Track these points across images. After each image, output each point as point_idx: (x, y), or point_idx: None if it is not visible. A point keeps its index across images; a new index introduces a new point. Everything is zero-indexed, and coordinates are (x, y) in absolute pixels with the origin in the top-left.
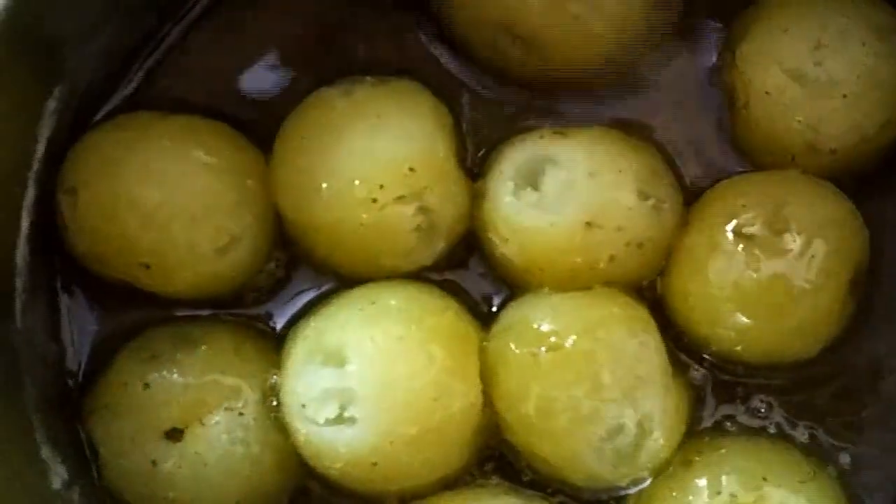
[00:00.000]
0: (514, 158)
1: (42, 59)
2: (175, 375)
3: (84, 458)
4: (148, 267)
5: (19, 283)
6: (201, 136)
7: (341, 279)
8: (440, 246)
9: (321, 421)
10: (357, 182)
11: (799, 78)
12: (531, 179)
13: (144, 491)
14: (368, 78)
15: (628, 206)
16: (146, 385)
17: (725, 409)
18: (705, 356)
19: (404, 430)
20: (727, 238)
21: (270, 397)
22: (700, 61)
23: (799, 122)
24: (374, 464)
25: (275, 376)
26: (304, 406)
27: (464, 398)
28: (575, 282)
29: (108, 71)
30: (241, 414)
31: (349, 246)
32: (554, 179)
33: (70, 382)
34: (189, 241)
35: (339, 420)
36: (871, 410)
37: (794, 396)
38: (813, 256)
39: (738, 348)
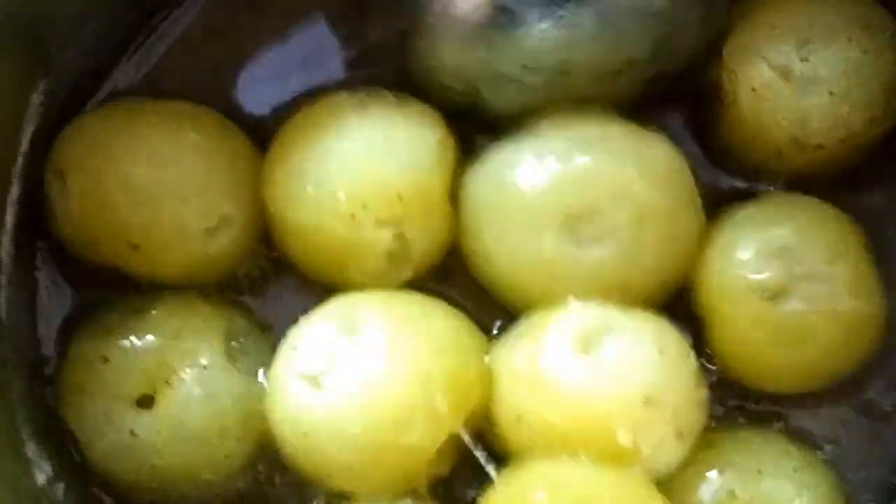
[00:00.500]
0: None
1: (26, 52)
2: (131, 343)
3: (66, 452)
4: (137, 248)
5: (3, 278)
6: (192, 119)
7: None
8: (408, 274)
9: (297, 370)
10: (341, 194)
11: (786, 75)
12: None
13: (130, 464)
14: (386, 92)
15: None
16: (105, 359)
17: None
18: None
19: (347, 425)
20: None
21: (233, 345)
22: None
23: (785, 118)
24: (305, 435)
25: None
26: (295, 349)
27: (421, 440)
28: None
29: (94, 65)
30: (205, 369)
31: (319, 253)
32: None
33: (48, 372)
34: (179, 220)
35: (311, 380)
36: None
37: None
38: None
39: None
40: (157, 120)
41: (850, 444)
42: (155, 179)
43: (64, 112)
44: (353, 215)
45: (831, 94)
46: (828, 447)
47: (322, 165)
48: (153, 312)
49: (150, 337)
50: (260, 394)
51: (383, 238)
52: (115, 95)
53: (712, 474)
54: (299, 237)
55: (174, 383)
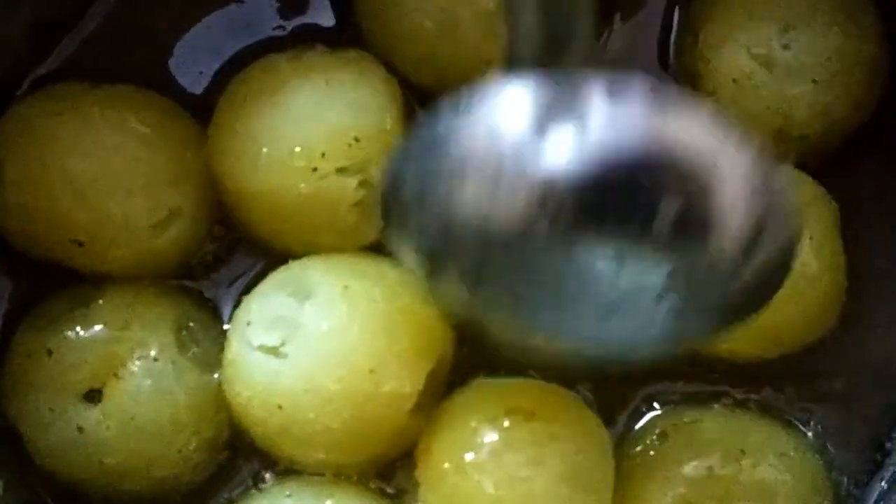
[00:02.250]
0: None
1: None
2: (76, 335)
3: (8, 450)
4: (81, 244)
5: None
6: (135, 106)
7: (281, 259)
8: (382, 224)
9: (255, 344)
10: (298, 149)
11: (767, 63)
12: None
13: (77, 461)
14: (319, 45)
15: None
16: (49, 352)
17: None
18: None
19: (323, 384)
20: None
21: (184, 334)
22: (650, 44)
23: (768, 108)
24: (280, 406)
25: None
26: (248, 324)
27: (400, 384)
28: None
29: (34, 43)
30: (155, 360)
31: (286, 218)
32: None
33: None
34: (125, 215)
35: (271, 351)
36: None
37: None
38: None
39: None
40: (99, 108)
41: (834, 427)
42: (97, 172)
43: (3, 92)
44: (314, 168)
45: (815, 82)
46: (814, 430)
47: (271, 125)
48: (99, 302)
49: (96, 328)
50: (214, 384)
51: (349, 186)
52: (57, 74)
53: (693, 450)
54: (262, 205)
55: (123, 376)
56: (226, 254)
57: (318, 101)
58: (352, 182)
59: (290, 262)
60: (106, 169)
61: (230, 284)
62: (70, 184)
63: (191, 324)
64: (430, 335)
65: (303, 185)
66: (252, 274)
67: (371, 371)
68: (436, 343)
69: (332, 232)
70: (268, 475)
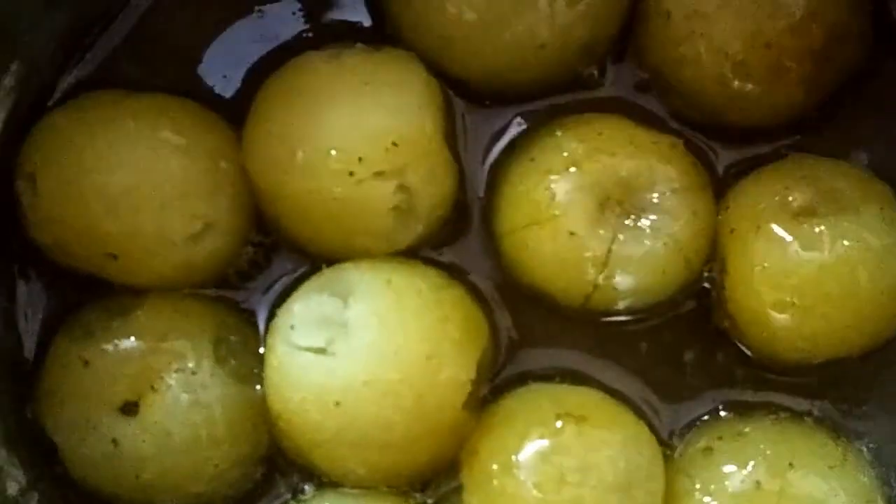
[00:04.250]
0: None
1: None
2: (114, 347)
3: (44, 460)
4: (115, 257)
5: None
6: (170, 115)
7: (316, 262)
8: (418, 230)
9: (302, 345)
10: (334, 152)
11: None
12: None
13: (112, 475)
14: (359, 44)
15: None
16: (86, 363)
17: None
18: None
19: (384, 374)
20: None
21: (222, 347)
22: None
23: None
24: (338, 404)
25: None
26: (292, 327)
27: (456, 370)
28: None
29: (68, 47)
30: (193, 373)
31: (320, 221)
32: None
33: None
34: (159, 228)
35: (320, 351)
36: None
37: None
38: None
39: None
40: (133, 118)
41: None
42: (131, 185)
43: (38, 97)
44: (350, 172)
45: None
46: (870, 445)
47: (306, 126)
48: (138, 313)
49: (134, 339)
50: (252, 397)
51: (386, 191)
52: (91, 79)
53: (739, 464)
54: (297, 208)
55: (160, 389)
56: (263, 260)
57: (354, 102)
58: (389, 187)
59: (324, 268)
60: (140, 181)
61: (265, 292)
62: (103, 196)
63: (230, 337)
64: (474, 325)
65: (338, 190)
66: (288, 281)
67: (428, 357)
68: (481, 332)
69: (367, 236)
70: (307, 487)
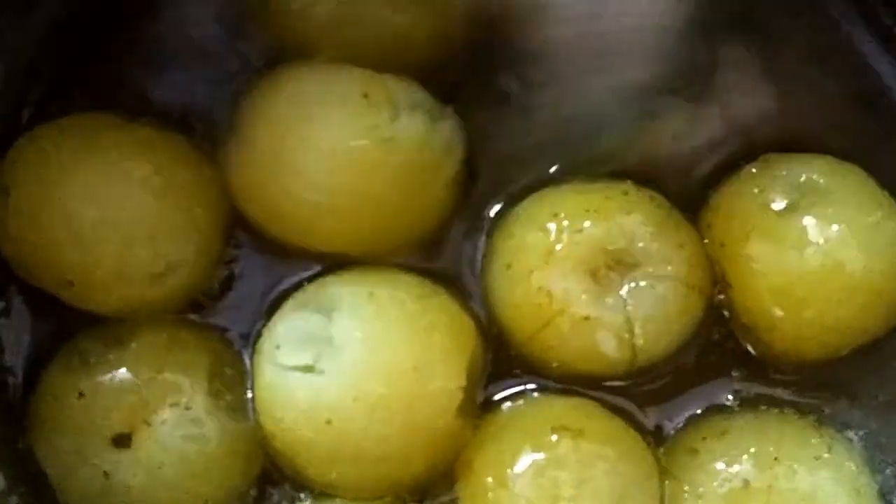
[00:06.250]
0: None
1: None
2: (109, 379)
3: (26, 465)
4: (72, 284)
5: None
6: (153, 152)
7: (296, 272)
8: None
9: (289, 364)
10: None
11: None
12: None
13: None
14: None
15: None
16: (80, 394)
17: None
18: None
19: (372, 389)
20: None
21: (217, 381)
22: None
23: None
24: (329, 422)
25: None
26: (277, 347)
27: (445, 379)
28: None
29: (49, 52)
30: (187, 408)
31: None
32: None
33: (10, 383)
34: (120, 265)
35: (307, 369)
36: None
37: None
38: None
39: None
40: (116, 150)
41: (882, 433)
42: (99, 218)
43: (19, 100)
44: None
45: None
46: (859, 435)
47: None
48: (133, 345)
49: (129, 372)
50: (245, 431)
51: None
52: (67, 100)
53: (725, 463)
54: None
55: (153, 423)
56: (226, 281)
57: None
58: None
59: (305, 284)
60: (109, 216)
61: (239, 312)
62: (69, 223)
63: (225, 369)
64: (461, 330)
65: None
66: (268, 299)
67: (415, 368)
68: (467, 338)
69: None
70: (303, 495)
